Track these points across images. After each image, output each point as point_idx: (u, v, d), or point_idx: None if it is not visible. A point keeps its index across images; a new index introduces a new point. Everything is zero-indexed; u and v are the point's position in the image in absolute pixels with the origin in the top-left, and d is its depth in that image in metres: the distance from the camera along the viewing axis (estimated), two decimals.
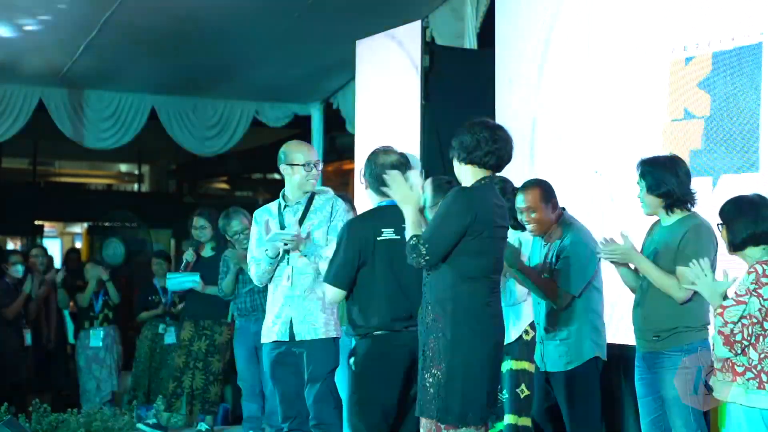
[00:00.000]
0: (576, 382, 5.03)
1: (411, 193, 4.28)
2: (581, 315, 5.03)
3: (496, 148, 4.16)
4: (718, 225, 4.12)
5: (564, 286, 4.97)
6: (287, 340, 5.04)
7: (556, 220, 5.13)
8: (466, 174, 4.22)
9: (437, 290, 4.13)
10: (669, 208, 4.49)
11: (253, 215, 5.40)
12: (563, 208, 5.19)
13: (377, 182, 4.60)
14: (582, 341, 5.02)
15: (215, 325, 7.69)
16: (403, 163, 4.64)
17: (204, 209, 7.92)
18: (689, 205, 4.51)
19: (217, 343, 7.70)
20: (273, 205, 5.27)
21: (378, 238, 4.54)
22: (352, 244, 4.55)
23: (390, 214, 4.56)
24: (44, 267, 9.41)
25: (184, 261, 7.70)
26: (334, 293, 4.64)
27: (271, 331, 5.09)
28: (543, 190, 5.13)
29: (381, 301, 4.53)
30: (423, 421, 4.18)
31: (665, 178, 4.44)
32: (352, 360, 4.60)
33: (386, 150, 4.72)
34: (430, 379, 4.09)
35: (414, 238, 4.11)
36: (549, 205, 5.10)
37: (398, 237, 4.52)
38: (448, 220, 4.08)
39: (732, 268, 4.25)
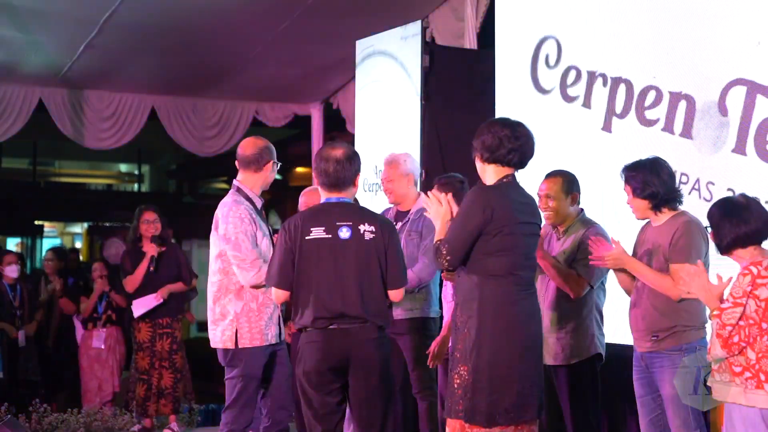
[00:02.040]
0: (578, 377, 5.05)
1: (442, 208, 4.32)
2: (586, 310, 5.07)
3: (519, 145, 4.21)
4: (706, 228, 4.15)
5: (586, 275, 5.01)
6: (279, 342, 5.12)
7: (575, 215, 5.16)
8: (490, 174, 4.25)
9: (464, 291, 4.17)
10: (656, 208, 4.55)
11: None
12: (582, 209, 5.21)
13: (320, 178, 4.58)
14: (586, 337, 5.06)
15: (173, 322, 7.73)
16: (348, 158, 4.57)
17: (149, 203, 7.93)
18: (677, 204, 4.55)
19: (179, 340, 7.77)
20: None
21: (306, 238, 4.48)
22: (283, 245, 4.52)
23: (327, 212, 4.55)
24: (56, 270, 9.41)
25: (152, 259, 7.69)
26: (275, 294, 4.61)
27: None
28: (565, 180, 5.15)
29: (307, 299, 4.47)
30: (448, 421, 4.16)
31: (648, 180, 4.50)
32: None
33: (333, 145, 4.65)
34: (458, 380, 4.09)
35: (437, 242, 4.19)
36: (569, 197, 5.12)
37: (329, 236, 4.48)
38: (466, 220, 4.12)
39: (725, 268, 4.27)
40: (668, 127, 5.00)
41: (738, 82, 4.58)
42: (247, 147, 5.17)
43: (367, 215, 4.62)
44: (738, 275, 3.93)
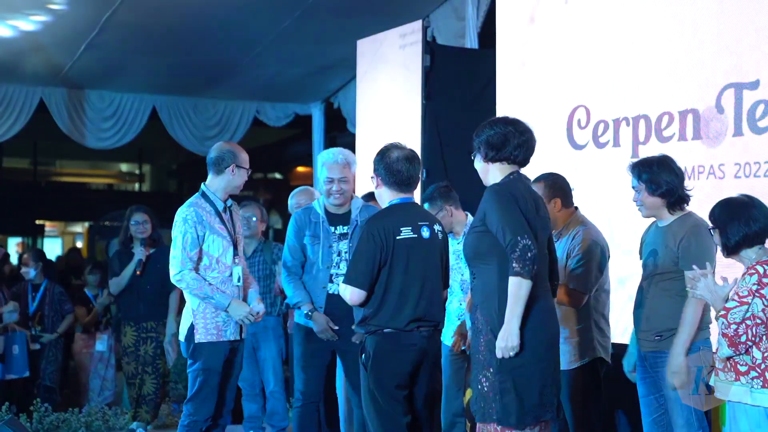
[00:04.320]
0: (578, 381, 4.98)
1: None
2: (587, 315, 4.99)
3: (524, 140, 4.09)
4: (710, 229, 4.12)
5: (579, 286, 4.90)
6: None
7: (565, 218, 5.06)
8: (494, 173, 4.12)
9: (484, 291, 4.05)
10: (671, 206, 4.47)
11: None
12: (576, 207, 5.15)
13: (392, 177, 4.56)
14: (586, 341, 4.98)
15: (159, 326, 7.48)
16: (414, 158, 4.62)
17: (140, 205, 7.70)
18: (684, 205, 4.52)
19: (163, 345, 7.51)
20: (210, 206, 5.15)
21: (397, 238, 4.47)
22: (373, 244, 4.45)
23: (406, 212, 4.56)
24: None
25: (139, 262, 7.42)
26: (355, 294, 4.50)
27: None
28: (547, 184, 5.05)
29: (395, 300, 4.46)
30: (479, 426, 4.08)
31: (664, 177, 4.44)
32: (362, 357, 4.56)
33: (397, 146, 4.66)
34: (485, 383, 4.00)
35: (510, 248, 3.91)
36: (553, 200, 5.01)
37: (415, 235, 4.49)
38: (510, 211, 3.96)
39: (727, 268, 4.30)
40: (682, 137, 5.48)
41: (728, 87, 5.21)
42: (213, 150, 5.24)
43: (433, 216, 4.75)
44: (743, 275, 3.92)
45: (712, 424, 5.02)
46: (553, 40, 6.52)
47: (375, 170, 4.62)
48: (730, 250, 4.00)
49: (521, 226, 3.92)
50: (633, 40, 5.85)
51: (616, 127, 5.92)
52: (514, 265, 3.88)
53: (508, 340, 3.90)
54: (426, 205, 5.60)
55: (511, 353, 3.90)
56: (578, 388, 4.97)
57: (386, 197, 4.61)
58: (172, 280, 5.05)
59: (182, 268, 4.99)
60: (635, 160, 4.62)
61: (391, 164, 4.55)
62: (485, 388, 4.01)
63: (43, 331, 8.39)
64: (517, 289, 3.88)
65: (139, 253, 7.41)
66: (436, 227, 4.60)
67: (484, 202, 4.08)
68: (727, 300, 3.92)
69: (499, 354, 3.93)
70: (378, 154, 4.63)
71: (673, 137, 5.52)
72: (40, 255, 8.91)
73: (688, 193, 4.50)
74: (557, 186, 5.07)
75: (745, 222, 3.94)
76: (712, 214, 4.06)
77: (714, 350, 4.08)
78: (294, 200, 6.48)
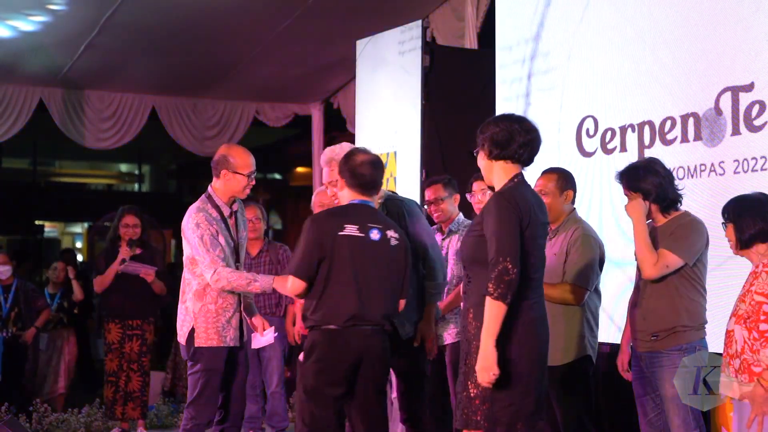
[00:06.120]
0: (567, 377, 4.96)
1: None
2: (579, 311, 4.99)
3: (529, 139, 3.99)
4: (722, 224, 4.11)
5: (581, 282, 4.90)
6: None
7: (567, 214, 5.07)
8: (498, 172, 4.03)
9: (477, 296, 3.94)
10: (666, 210, 4.50)
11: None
12: (574, 208, 5.16)
13: (355, 180, 4.62)
14: (577, 337, 4.99)
15: (144, 324, 7.51)
16: (379, 163, 4.69)
17: (132, 206, 7.71)
18: (679, 204, 4.54)
19: (149, 343, 7.56)
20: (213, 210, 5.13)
21: (339, 233, 4.51)
22: (313, 236, 4.53)
23: (357, 212, 4.60)
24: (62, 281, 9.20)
25: (123, 261, 7.45)
26: (294, 284, 4.57)
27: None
28: (560, 177, 5.08)
29: (335, 295, 4.51)
30: None
31: (652, 181, 4.47)
32: (302, 353, 4.61)
33: (362, 150, 4.75)
34: (474, 390, 3.91)
35: (495, 262, 3.83)
36: (563, 194, 5.04)
37: (361, 235, 4.53)
38: (507, 226, 3.86)
39: (719, 268, 4.31)
40: (684, 139, 5.63)
41: (724, 90, 5.39)
42: (217, 151, 5.20)
43: (390, 223, 4.69)
44: (757, 274, 3.91)
45: (711, 425, 5.02)
46: (552, 43, 6.52)
47: (340, 172, 4.69)
48: (743, 244, 3.99)
49: (510, 247, 3.82)
50: (635, 51, 5.92)
51: (622, 134, 6.01)
52: (489, 285, 3.81)
53: (485, 361, 3.81)
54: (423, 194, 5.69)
55: (492, 377, 3.80)
56: (568, 385, 4.95)
57: (346, 198, 4.68)
58: (211, 284, 4.96)
59: (215, 267, 4.92)
60: (620, 169, 4.64)
61: (356, 167, 4.63)
62: (472, 395, 3.93)
63: (23, 329, 8.40)
64: (494, 311, 3.81)
65: (124, 253, 7.46)
66: (390, 233, 4.60)
67: (486, 207, 4.01)
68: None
69: (480, 378, 3.84)
70: (344, 157, 4.71)
71: (675, 140, 5.65)
72: (14, 254, 8.96)
73: (680, 192, 4.53)
74: (571, 179, 5.14)
75: (762, 217, 3.96)
76: (726, 209, 4.07)
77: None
78: (317, 199, 6.53)
